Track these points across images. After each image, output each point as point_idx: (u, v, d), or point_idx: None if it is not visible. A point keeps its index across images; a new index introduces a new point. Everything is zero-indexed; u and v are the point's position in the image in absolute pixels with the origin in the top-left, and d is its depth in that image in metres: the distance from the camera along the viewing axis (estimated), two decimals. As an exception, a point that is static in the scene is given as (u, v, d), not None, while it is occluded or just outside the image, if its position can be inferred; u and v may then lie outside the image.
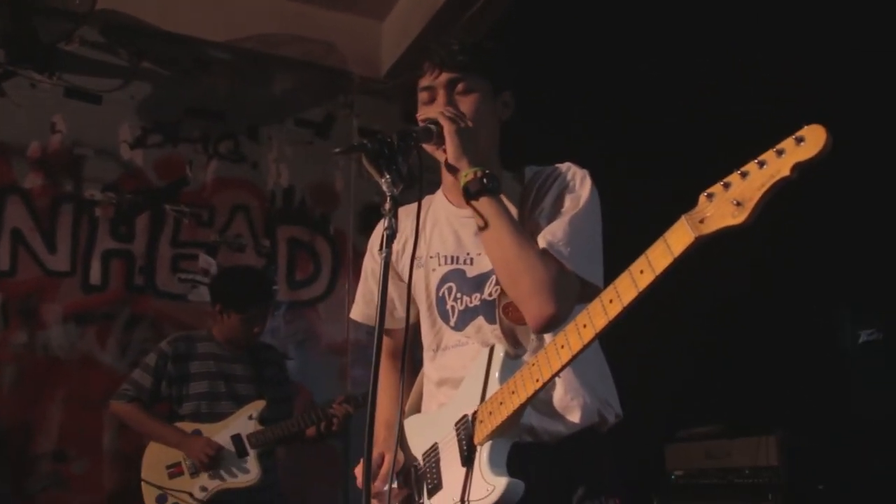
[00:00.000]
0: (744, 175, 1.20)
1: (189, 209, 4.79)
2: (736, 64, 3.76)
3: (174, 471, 3.58)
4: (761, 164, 1.18)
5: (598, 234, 1.82)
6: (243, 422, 3.66)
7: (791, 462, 3.60)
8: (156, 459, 3.61)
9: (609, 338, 1.52)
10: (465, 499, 1.69)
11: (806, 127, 1.12)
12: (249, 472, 3.60)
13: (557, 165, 1.90)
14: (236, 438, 3.63)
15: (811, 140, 1.11)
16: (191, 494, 3.51)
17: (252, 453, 3.62)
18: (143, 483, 3.57)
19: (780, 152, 1.15)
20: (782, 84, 3.64)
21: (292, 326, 4.91)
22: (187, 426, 3.63)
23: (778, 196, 1.15)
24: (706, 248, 1.27)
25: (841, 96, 3.41)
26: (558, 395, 1.78)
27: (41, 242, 4.41)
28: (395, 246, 2.06)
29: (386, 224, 1.58)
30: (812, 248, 3.75)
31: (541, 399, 1.78)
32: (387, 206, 1.59)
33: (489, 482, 1.65)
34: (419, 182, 1.74)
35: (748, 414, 3.91)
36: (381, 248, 1.58)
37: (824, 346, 3.80)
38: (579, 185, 1.83)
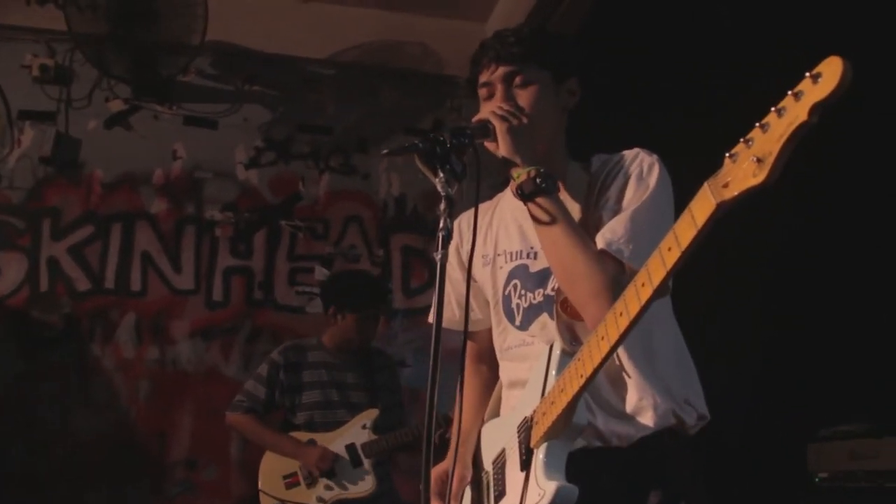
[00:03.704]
0: (764, 127, 1.04)
1: (304, 223, 4.93)
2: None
3: (290, 481, 3.61)
4: (780, 111, 1.01)
5: (668, 222, 1.67)
6: (357, 431, 3.65)
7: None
8: (272, 469, 3.65)
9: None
10: (522, 505, 1.60)
11: (823, 61, 0.95)
12: (365, 482, 3.59)
13: (625, 152, 1.78)
14: (350, 448, 3.63)
15: (827, 75, 0.94)
16: (307, 506, 3.55)
17: (367, 463, 3.61)
18: (260, 493, 3.63)
19: (797, 95, 0.98)
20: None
21: (409, 333, 4.92)
22: (302, 436, 3.66)
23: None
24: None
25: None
26: (629, 396, 1.67)
27: (168, 263, 4.70)
28: (467, 246, 2.00)
29: (441, 225, 1.53)
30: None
31: (607, 400, 1.69)
32: (441, 206, 1.55)
33: (541, 487, 1.56)
34: (477, 180, 1.66)
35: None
36: (436, 250, 1.53)
37: None
38: (646, 172, 1.71)
